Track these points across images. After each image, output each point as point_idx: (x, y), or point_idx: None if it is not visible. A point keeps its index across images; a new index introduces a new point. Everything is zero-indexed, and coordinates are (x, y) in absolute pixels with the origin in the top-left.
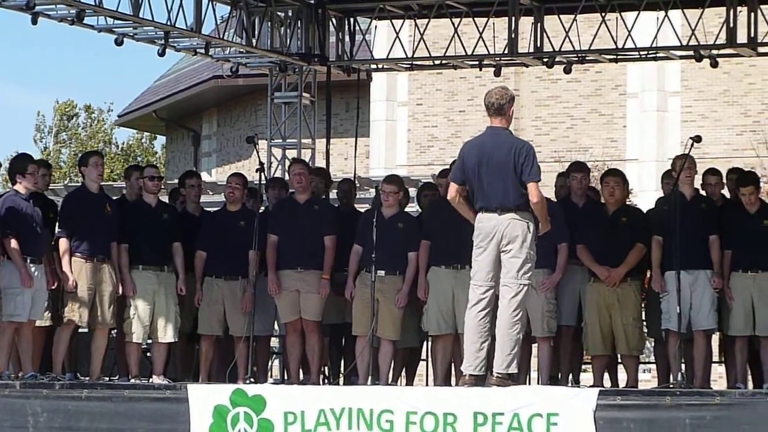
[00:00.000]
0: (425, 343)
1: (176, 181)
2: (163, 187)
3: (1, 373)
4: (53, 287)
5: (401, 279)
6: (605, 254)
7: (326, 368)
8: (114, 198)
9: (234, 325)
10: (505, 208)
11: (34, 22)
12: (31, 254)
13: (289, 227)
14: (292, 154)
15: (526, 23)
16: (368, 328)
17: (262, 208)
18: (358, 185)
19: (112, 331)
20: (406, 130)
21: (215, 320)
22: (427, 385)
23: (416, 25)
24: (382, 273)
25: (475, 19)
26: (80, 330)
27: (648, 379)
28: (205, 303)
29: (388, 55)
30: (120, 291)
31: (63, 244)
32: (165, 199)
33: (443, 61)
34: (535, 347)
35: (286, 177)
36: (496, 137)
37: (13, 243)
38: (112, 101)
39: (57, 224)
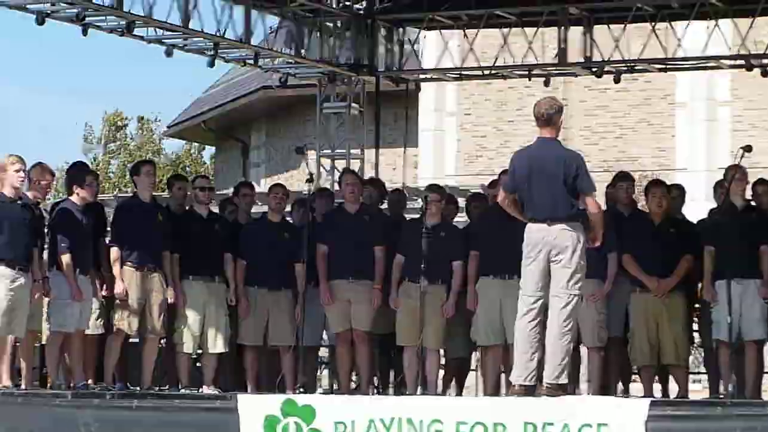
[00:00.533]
0: (474, 353)
1: (225, 191)
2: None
3: (51, 383)
4: (104, 295)
5: (443, 288)
6: (652, 264)
7: (375, 378)
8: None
9: (277, 335)
10: (554, 218)
11: (85, 33)
12: (81, 266)
13: (339, 237)
14: (340, 164)
15: (575, 33)
16: (413, 339)
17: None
18: (406, 195)
19: (162, 341)
20: (455, 140)
21: (257, 330)
22: (476, 395)
23: (465, 35)
24: (425, 283)
25: (525, 29)
26: (131, 340)
27: (698, 389)
28: (249, 313)
29: (437, 65)
30: (171, 300)
31: (114, 253)
32: (214, 209)
33: (492, 71)
34: (584, 357)
35: (335, 187)
36: (546, 148)
37: (66, 258)
38: (159, 111)
39: (109, 233)
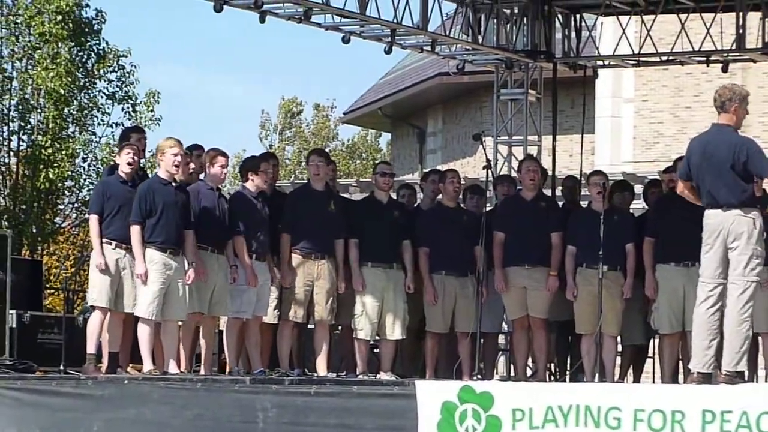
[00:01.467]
0: (651, 340)
1: (401, 178)
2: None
3: (230, 369)
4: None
5: (621, 274)
6: None
7: (552, 365)
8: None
9: (462, 321)
10: (729, 204)
11: (262, 20)
12: (256, 252)
13: (516, 224)
14: (517, 151)
15: (753, 18)
16: (592, 326)
17: (488, 206)
18: (583, 182)
19: (339, 327)
20: (631, 126)
21: (447, 317)
22: (654, 382)
23: (642, 20)
24: (604, 268)
25: (702, 14)
26: (309, 327)
27: None
28: (437, 300)
29: (614, 51)
30: (343, 288)
31: (283, 239)
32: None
33: (670, 57)
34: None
35: (513, 174)
36: (719, 135)
37: (240, 242)
38: (334, 98)
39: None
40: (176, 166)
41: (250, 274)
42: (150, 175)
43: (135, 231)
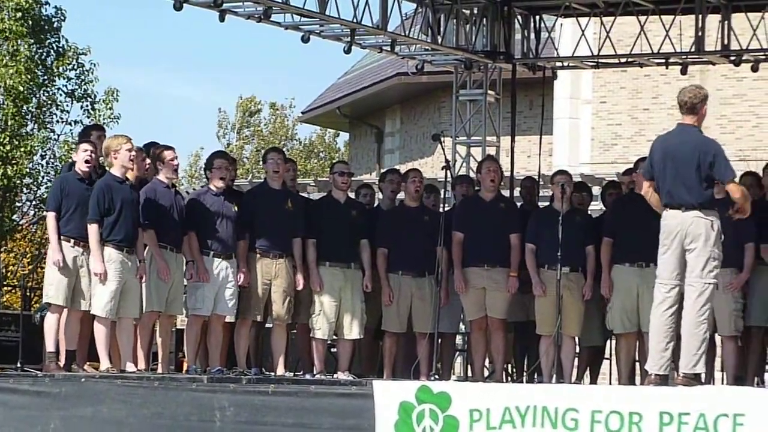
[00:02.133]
0: (608, 342)
1: (359, 178)
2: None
3: (188, 368)
4: (241, 284)
5: (583, 275)
6: None
7: (509, 366)
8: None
9: (419, 322)
10: (688, 205)
11: (222, 19)
12: (216, 249)
13: (475, 225)
14: (476, 151)
15: (713, 21)
16: (551, 327)
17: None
18: (542, 183)
19: (296, 326)
20: (589, 128)
21: (403, 317)
22: (610, 384)
23: (602, 22)
24: (566, 269)
25: (662, 16)
26: (267, 325)
27: None
28: (394, 300)
29: (573, 52)
30: (301, 286)
31: (242, 240)
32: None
33: (629, 59)
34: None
35: (472, 174)
36: (683, 135)
37: (192, 238)
38: (293, 97)
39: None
40: (131, 161)
41: (201, 269)
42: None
43: (93, 229)
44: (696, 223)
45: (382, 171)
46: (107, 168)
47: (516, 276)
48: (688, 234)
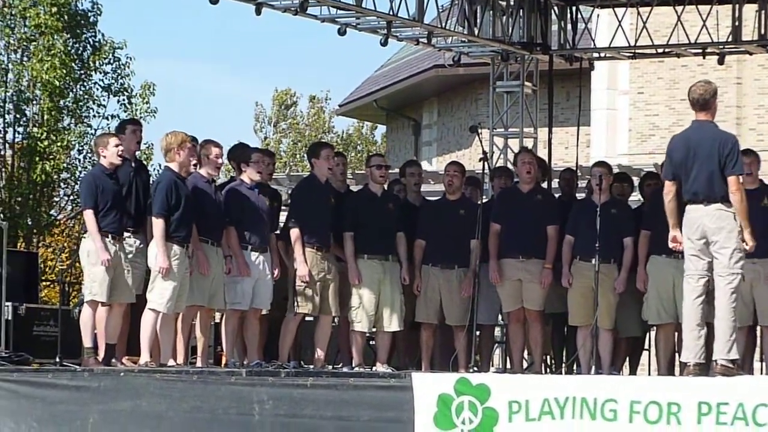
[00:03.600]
0: (648, 332)
1: (397, 170)
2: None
3: (227, 361)
4: (276, 277)
5: (615, 267)
6: None
7: (548, 357)
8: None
9: (450, 314)
10: (710, 198)
11: (258, 12)
12: (254, 243)
13: (512, 216)
14: (513, 143)
15: (749, 10)
16: (586, 318)
17: (485, 198)
18: (579, 174)
19: (335, 319)
20: (627, 118)
21: (432, 309)
22: (650, 374)
23: (638, 13)
24: (599, 261)
25: (698, 6)
26: (307, 319)
27: None
28: (422, 291)
29: (610, 43)
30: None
31: (294, 234)
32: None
33: (666, 50)
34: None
35: (509, 166)
36: (701, 130)
37: (232, 232)
38: (329, 89)
39: (287, 214)
40: (197, 161)
41: (242, 264)
42: (144, 167)
43: (160, 224)
44: (718, 215)
45: (402, 165)
46: (168, 163)
47: (551, 268)
48: (711, 226)
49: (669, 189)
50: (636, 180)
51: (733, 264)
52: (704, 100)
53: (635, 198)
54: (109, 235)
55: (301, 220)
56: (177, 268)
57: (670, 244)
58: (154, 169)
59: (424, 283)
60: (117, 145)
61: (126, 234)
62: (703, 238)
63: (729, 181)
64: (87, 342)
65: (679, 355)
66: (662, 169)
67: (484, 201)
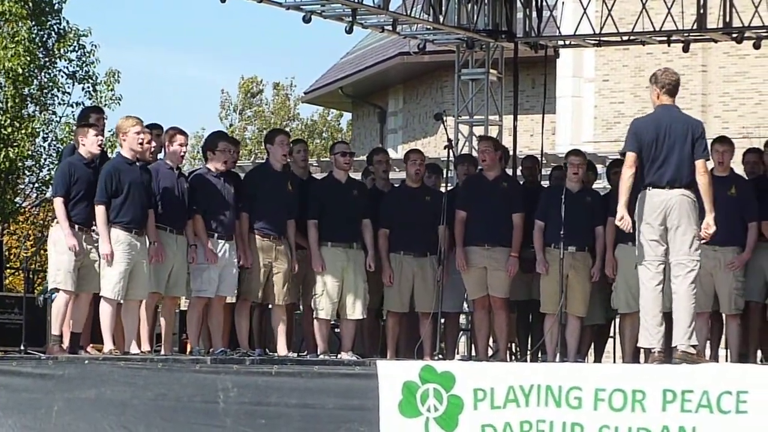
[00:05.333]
0: (613, 320)
1: (362, 158)
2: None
3: (191, 349)
4: (242, 265)
5: (590, 255)
6: None
7: (513, 345)
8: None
9: (422, 301)
10: (675, 183)
11: (223, 0)
12: (219, 231)
13: (478, 204)
14: (479, 130)
15: None
16: (556, 306)
17: (450, 185)
18: (544, 162)
19: (300, 307)
20: (592, 106)
21: (404, 298)
22: (615, 362)
23: (604, 0)
24: (572, 249)
25: None
26: (270, 306)
27: None
28: (396, 281)
29: (575, 31)
30: (296, 269)
31: (243, 220)
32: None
33: (631, 37)
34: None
35: (474, 153)
36: (671, 113)
37: (198, 220)
38: (293, 76)
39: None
40: (140, 144)
41: (209, 251)
42: (109, 156)
43: (101, 211)
44: (681, 201)
45: (368, 153)
46: (119, 148)
47: (516, 256)
48: (672, 212)
49: (632, 162)
50: (600, 168)
51: (693, 251)
52: (674, 85)
53: (600, 185)
54: (76, 226)
55: (250, 207)
56: (124, 254)
57: (617, 222)
58: None
59: (397, 273)
60: (96, 135)
61: (94, 225)
62: (663, 223)
63: (697, 165)
64: (55, 330)
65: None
66: (625, 144)
67: (449, 188)
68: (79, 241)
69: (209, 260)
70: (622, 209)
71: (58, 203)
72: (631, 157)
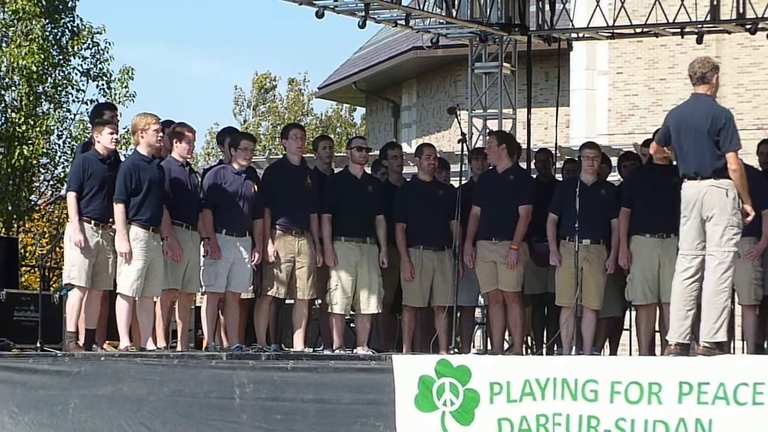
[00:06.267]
0: (627, 312)
1: (377, 152)
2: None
3: (207, 345)
4: (256, 262)
5: (604, 248)
6: None
7: (529, 338)
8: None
9: (439, 295)
10: (702, 173)
11: None
12: (231, 227)
13: (488, 198)
14: (492, 124)
15: None
16: (572, 298)
17: (463, 179)
18: (558, 155)
19: (317, 302)
20: (606, 99)
21: (425, 292)
22: (630, 354)
23: None
24: (587, 242)
25: None
26: (287, 302)
27: None
28: (416, 276)
29: (588, 23)
30: (320, 262)
31: (266, 216)
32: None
33: (644, 29)
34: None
35: None
36: (697, 103)
37: (207, 215)
38: (307, 71)
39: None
40: (159, 142)
41: (214, 246)
42: (122, 153)
43: (120, 209)
44: (710, 191)
45: (382, 147)
46: (134, 146)
47: (516, 249)
48: (704, 203)
49: (654, 149)
50: (615, 160)
51: (725, 242)
52: (702, 74)
53: (613, 178)
54: (92, 222)
55: (270, 203)
56: (142, 251)
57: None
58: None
59: (417, 268)
60: (111, 132)
61: (111, 221)
62: (698, 215)
63: (727, 158)
64: (71, 327)
65: (660, 335)
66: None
67: (463, 182)
68: (87, 236)
69: (213, 255)
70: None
71: (71, 198)
72: (652, 146)
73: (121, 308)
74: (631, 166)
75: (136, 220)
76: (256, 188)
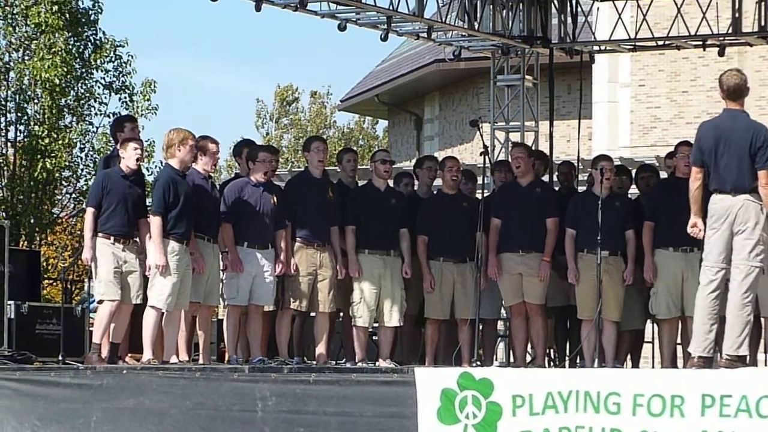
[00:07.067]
0: (650, 325)
1: (399, 165)
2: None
3: (229, 358)
4: (278, 274)
5: (622, 260)
6: None
7: (551, 351)
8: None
9: (461, 308)
10: (739, 189)
11: (258, 8)
12: (254, 239)
13: (511, 210)
14: (515, 136)
15: (749, 2)
16: (592, 311)
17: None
18: (581, 167)
19: (340, 315)
20: (628, 111)
21: (445, 304)
22: (653, 367)
23: (639, 5)
24: (605, 253)
25: None
26: (311, 314)
27: None
28: (437, 288)
29: (610, 36)
30: (342, 275)
31: (287, 229)
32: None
33: (666, 42)
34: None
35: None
36: (734, 119)
37: (227, 228)
38: (330, 84)
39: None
40: (193, 159)
41: (234, 259)
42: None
43: (157, 221)
44: (746, 206)
45: (419, 157)
46: (165, 159)
47: (549, 261)
48: (737, 217)
49: (696, 176)
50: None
51: (753, 257)
52: (739, 88)
53: (634, 191)
54: (112, 237)
55: (291, 215)
56: (176, 265)
57: (689, 229)
58: (156, 166)
59: (438, 279)
60: (135, 149)
61: (134, 237)
62: (729, 228)
63: (760, 175)
64: (97, 339)
65: (683, 348)
66: (690, 156)
67: (485, 195)
68: (113, 252)
69: (234, 269)
70: (694, 217)
71: (88, 214)
72: (694, 171)
73: (150, 321)
74: (648, 179)
75: (173, 234)
76: (275, 200)
